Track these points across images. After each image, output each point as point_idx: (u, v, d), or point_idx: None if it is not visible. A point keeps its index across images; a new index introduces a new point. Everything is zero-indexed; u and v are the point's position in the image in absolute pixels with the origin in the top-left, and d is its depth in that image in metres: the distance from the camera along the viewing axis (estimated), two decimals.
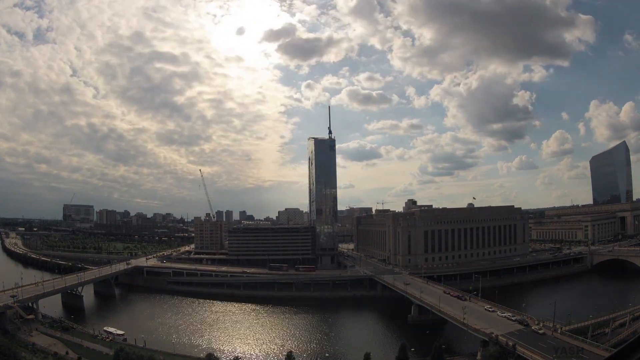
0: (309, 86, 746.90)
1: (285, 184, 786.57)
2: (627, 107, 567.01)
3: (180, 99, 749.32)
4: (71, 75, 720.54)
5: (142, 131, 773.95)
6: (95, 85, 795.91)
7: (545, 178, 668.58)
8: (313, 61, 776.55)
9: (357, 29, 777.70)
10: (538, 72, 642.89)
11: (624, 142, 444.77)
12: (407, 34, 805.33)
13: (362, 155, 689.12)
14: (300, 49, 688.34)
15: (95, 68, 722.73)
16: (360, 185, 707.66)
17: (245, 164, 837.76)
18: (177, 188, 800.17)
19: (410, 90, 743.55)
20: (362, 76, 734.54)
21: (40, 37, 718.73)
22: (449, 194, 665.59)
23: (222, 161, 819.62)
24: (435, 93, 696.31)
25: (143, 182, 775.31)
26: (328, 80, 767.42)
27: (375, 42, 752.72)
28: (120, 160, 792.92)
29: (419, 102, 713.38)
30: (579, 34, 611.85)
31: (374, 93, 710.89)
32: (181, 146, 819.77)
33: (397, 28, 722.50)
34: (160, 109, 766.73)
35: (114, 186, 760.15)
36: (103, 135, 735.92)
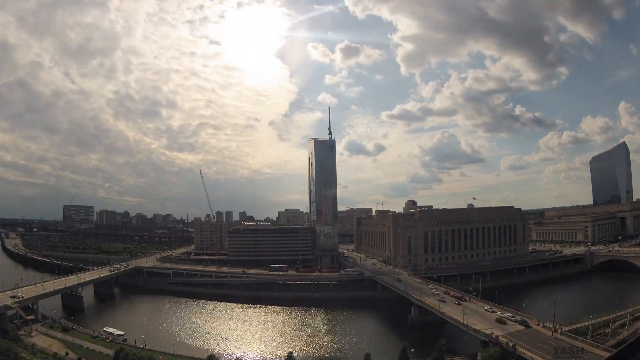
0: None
1: (287, 176, 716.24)
2: (627, 107, 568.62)
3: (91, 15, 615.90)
4: None
5: (87, 95, 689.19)
6: None
7: (545, 178, 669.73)
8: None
9: None
10: (539, 70, 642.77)
11: (624, 142, 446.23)
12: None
13: (354, 151, 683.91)
14: None
15: None
16: (351, 184, 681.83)
17: (237, 150, 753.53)
18: (164, 184, 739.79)
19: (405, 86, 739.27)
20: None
21: None
22: (445, 193, 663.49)
23: (204, 145, 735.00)
24: (430, 90, 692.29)
25: (124, 177, 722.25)
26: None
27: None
28: (82, 145, 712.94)
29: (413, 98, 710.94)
30: (586, 31, 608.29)
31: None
32: (140, 119, 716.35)
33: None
34: (82, 56, 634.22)
35: (95, 182, 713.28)
36: (47, 104, 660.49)
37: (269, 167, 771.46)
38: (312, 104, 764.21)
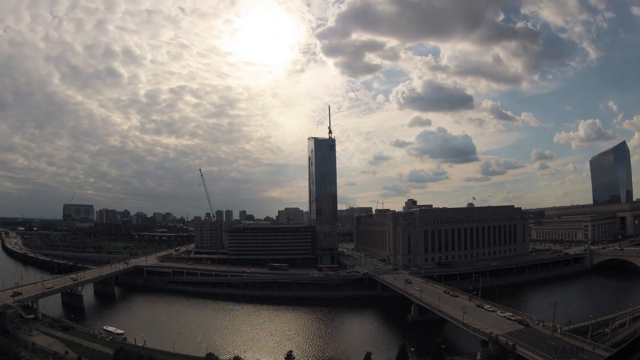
0: None
1: (291, 166, 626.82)
2: (628, 107, 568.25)
3: None
4: None
5: (20, 46, 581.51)
6: None
7: (545, 178, 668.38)
8: None
9: None
10: (538, 69, 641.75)
11: (624, 142, 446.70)
12: None
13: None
14: None
15: None
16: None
17: (229, 131, 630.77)
18: (149, 178, 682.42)
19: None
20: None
21: None
22: (444, 192, 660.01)
23: (186, 122, 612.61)
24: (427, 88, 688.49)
25: (105, 169, 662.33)
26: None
27: None
28: (42, 127, 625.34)
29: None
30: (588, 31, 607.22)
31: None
32: (93, 83, 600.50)
33: None
34: None
35: (77, 176, 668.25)
36: None
37: (271, 153, 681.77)
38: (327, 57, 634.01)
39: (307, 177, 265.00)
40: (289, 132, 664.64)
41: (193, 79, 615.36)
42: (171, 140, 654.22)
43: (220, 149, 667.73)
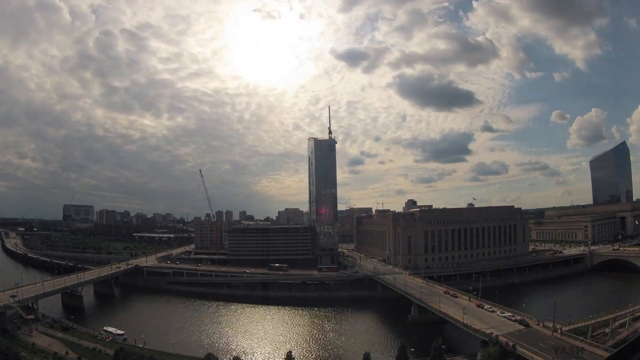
0: None
1: (294, 155, 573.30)
2: (628, 106, 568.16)
3: None
4: None
5: None
6: None
7: (544, 178, 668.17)
8: None
9: None
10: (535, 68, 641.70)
11: (624, 142, 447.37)
12: None
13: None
14: None
15: None
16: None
17: (217, 109, 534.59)
18: (134, 173, 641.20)
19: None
20: None
21: None
22: (442, 191, 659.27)
23: (159, 89, 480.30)
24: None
25: (80, 160, 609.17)
26: None
27: None
28: None
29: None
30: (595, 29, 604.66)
31: None
32: (25, 30, 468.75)
33: None
34: None
35: (57, 171, 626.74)
36: None
37: (267, 137, 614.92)
38: None
39: (307, 168, 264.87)
40: (290, 108, 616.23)
41: (155, 8, 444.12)
42: (148, 121, 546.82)
43: (207, 132, 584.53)
